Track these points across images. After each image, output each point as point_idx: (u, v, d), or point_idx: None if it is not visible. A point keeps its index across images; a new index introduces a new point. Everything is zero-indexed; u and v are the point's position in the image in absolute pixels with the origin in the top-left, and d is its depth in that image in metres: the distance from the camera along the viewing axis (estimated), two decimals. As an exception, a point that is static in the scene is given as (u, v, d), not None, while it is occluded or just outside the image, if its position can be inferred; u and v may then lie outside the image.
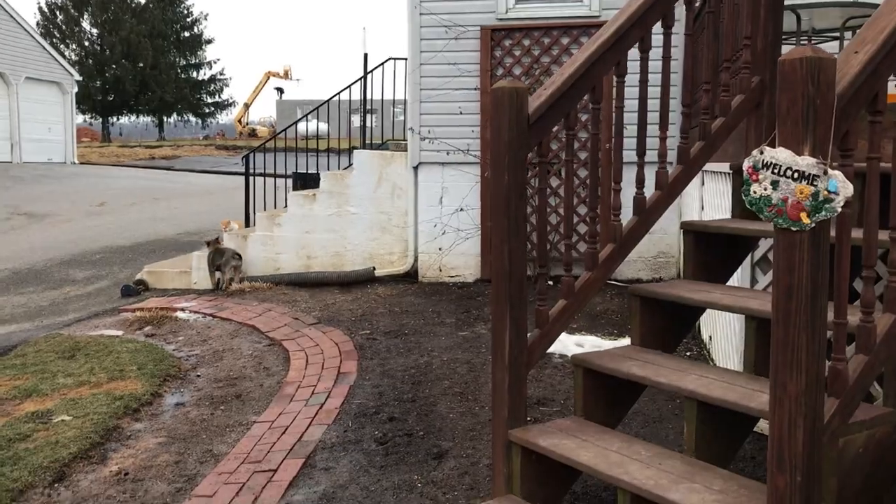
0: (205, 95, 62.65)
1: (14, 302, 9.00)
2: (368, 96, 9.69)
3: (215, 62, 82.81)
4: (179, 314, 7.63)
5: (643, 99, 3.54)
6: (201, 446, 4.48)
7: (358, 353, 5.95)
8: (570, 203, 3.53)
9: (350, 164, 10.12)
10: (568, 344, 5.57)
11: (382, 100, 9.50)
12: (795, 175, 2.17)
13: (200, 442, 4.54)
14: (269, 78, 70.90)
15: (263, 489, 3.87)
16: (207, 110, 63.35)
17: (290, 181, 11.57)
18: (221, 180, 22.99)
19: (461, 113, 8.24)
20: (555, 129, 3.52)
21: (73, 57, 48.55)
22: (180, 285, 9.04)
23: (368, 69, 9.71)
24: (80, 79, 28.32)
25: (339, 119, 9.89)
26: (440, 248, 8.40)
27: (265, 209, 10.71)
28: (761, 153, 2.25)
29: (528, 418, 3.38)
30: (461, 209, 8.30)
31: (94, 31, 52.02)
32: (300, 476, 3.98)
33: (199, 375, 5.88)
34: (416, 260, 8.66)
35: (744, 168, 2.30)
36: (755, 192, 2.27)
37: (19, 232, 13.50)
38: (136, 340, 6.82)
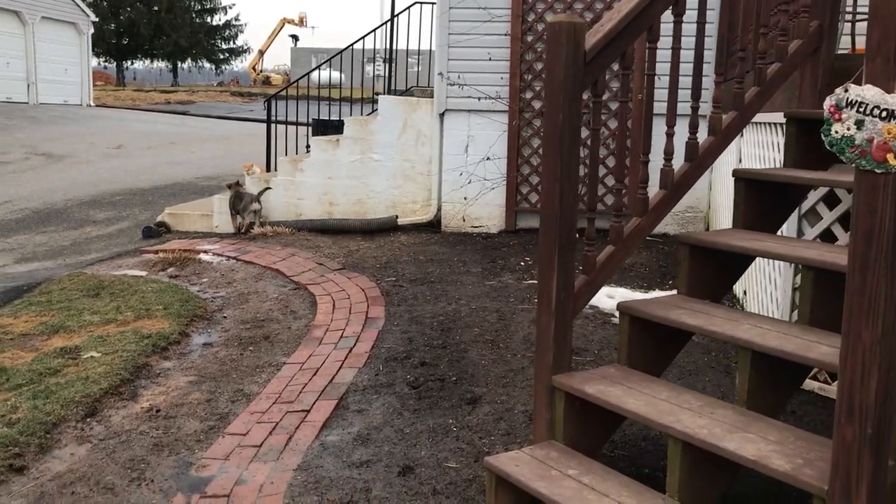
0: (219, 41, 62.02)
1: (35, 241, 8.98)
2: (389, 44, 9.50)
3: (230, 7, 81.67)
4: (203, 256, 7.59)
5: (700, 41, 3.40)
6: (232, 385, 4.46)
7: (385, 299, 5.91)
8: (622, 146, 3.41)
9: (373, 111, 10.00)
10: (598, 295, 5.48)
11: (397, 49, 9.32)
12: (883, 114, 2.06)
13: (231, 381, 4.52)
14: (283, 25, 70.06)
15: (297, 429, 3.85)
16: (222, 56, 62.76)
17: (309, 129, 11.47)
18: (237, 126, 22.86)
19: (490, 59, 8.06)
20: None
21: (88, -2, 47.96)
22: (202, 228, 8.99)
23: (394, 13, 9.49)
24: (97, 20, 27.99)
25: (362, 67, 9.72)
26: (465, 198, 8.30)
27: (286, 155, 10.62)
28: (846, 91, 2.14)
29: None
30: (488, 158, 8.18)
31: (109, -29, 51.33)
32: (333, 417, 3.96)
33: (225, 317, 5.86)
34: (439, 209, 8.57)
35: (825, 107, 2.19)
36: (836, 133, 2.16)
37: (38, 172, 13.45)
38: (160, 281, 6.79)
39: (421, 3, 9.40)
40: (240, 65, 66.62)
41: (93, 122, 20.45)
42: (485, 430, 3.69)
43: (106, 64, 57.00)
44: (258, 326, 5.51)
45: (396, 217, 8.66)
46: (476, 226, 8.40)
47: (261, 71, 67.37)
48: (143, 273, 7.16)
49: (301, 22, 71.94)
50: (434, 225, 8.60)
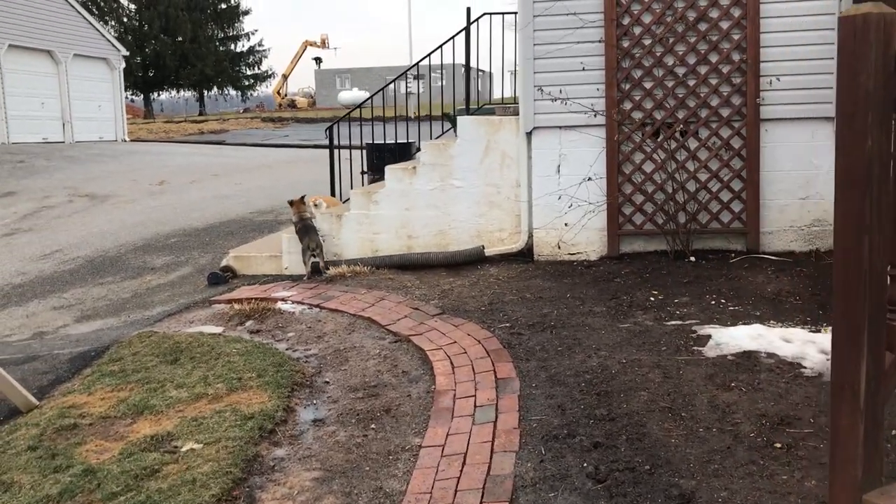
0: (244, 67, 62.12)
1: (94, 294, 8.33)
2: (466, 58, 8.73)
3: (253, 34, 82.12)
4: (281, 305, 6.86)
5: None
6: (367, 482, 3.69)
7: (508, 352, 5.12)
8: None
9: (444, 132, 9.26)
10: (772, 339, 4.66)
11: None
12: None
13: (364, 476, 3.75)
14: (306, 47, 70.09)
15: (471, 549, 3.06)
16: (247, 83, 62.84)
17: (362, 151, 10.77)
18: (275, 154, 22.30)
19: (584, 69, 7.28)
20: None
21: (113, 34, 48.09)
22: (270, 270, 8.28)
23: (469, 21, 8.71)
24: (128, 53, 27.69)
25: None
26: (566, 224, 7.49)
27: (347, 184, 9.93)
28: None
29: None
30: (589, 178, 7.37)
31: (132, 6, 51.51)
32: (511, 528, 3.16)
33: (327, 382, 5.10)
34: (530, 236, 7.78)
35: None
36: None
37: (83, 215, 12.87)
38: (242, 339, 6.06)
39: (490, 14, 8.63)
40: (265, 89, 66.68)
41: (131, 158, 19.97)
42: (719, 545, 2.88)
43: (133, 97, 57.22)
44: (372, 396, 4.74)
45: (483, 248, 7.88)
46: (573, 253, 7.60)
47: (285, 95, 67.36)
48: (220, 329, 6.44)
49: (323, 44, 71.95)
50: (525, 254, 7.81)
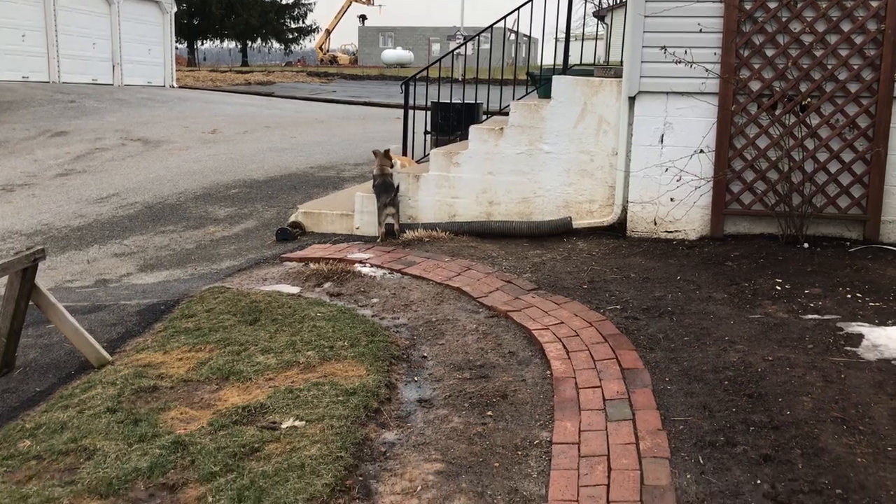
0: (288, 20, 61.53)
1: (156, 243, 7.94)
2: (568, 14, 8.13)
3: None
4: (360, 268, 6.40)
5: None
6: (500, 481, 3.23)
7: (628, 339, 4.61)
8: None
9: (527, 94, 8.68)
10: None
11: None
12: None
13: (495, 474, 3.29)
14: (350, 3, 69.12)
15: (646, 578, 2.59)
16: (291, 35, 62.29)
17: (427, 113, 10.25)
18: (325, 109, 21.81)
19: (701, 30, 6.65)
20: None
21: (162, -22, 47.61)
22: (341, 230, 7.84)
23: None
24: (178, -2, 27.20)
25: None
26: (672, 199, 6.92)
27: (411, 146, 9.46)
28: None
29: None
30: (701, 151, 6.78)
31: (181, -49, 50.91)
32: (688, 555, 2.69)
33: (425, 357, 4.65)
34: (623, 210, 7.22)
35: None
36: None
37: (137, 159, 12.51)
38: (324, 302, 5.62)
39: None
40: (307, 44, 66.07)
41: (181, 105, 19.59)
42: None
43: (177, 45, 56.83)
44: (481, 377, 4.27)
45: (570, 219, 7.35)
46: (671, 231, 7.04)
47: (328, 50, 66.68)
48: (297, 289, 6.01)
49: (369, 1, 70.91)
50: (615, 229, 7.27)
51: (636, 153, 7.07)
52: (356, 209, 7.77)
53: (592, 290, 5.58)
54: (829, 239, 6.63)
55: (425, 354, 4.68)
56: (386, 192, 7.33)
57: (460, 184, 7.67)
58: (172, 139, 14.35)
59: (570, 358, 4.44)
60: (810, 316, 4.77)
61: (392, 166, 7.51)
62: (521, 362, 4.48)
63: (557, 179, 7.45)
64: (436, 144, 9.78)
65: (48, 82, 20.73)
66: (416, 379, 4.34)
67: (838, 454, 3.18)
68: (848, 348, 4.21)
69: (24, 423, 3.96)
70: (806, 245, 6.45)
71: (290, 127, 16.49)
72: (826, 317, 4.74)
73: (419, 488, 3.19)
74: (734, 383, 3.91)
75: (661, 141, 6.97)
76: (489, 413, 3.84)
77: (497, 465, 3.35)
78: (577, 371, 4.26)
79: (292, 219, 7.98)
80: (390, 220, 7.34)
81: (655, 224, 7.08)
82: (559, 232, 7.32)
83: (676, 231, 7.04)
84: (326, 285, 6.08)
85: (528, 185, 7.54)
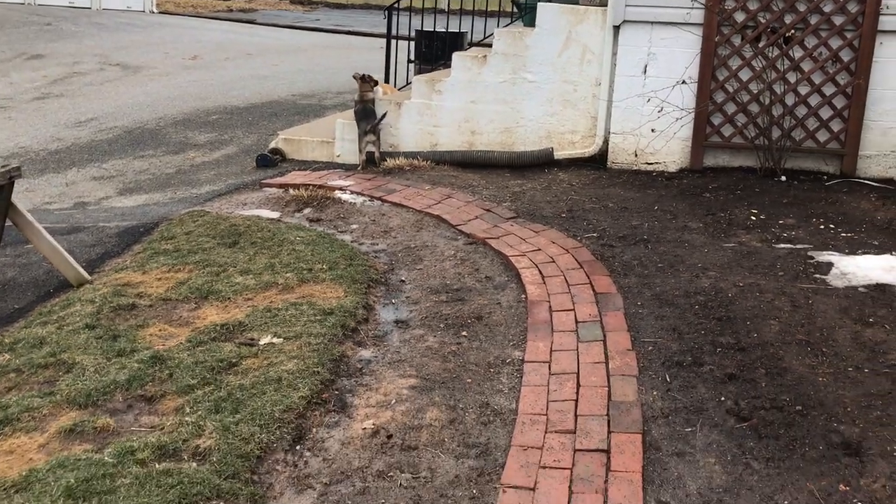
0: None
1: (135, 167, 7.88)
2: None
3: None
4: (340, 195, 6.40)
5: None
6: (471, 396, 3.32)
7: (603, 265, 4.68)
8: None
9: (512, 21, 8.56)
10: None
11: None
12: None
13: (467, 389, 3.38)
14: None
15: (608, 484, 2.70)
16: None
17: (410, 44, 10.09)
18: (308, 37, 21.37)
19: (688, -42, 6.55)
20: None
21: None
22: (321, 157, 7.79)
23: None
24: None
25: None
26: (653, 130, 6.92)
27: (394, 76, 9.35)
28: None
29: None
30: (683, 82, 6.75)
31: None
32: (649, 465, 2.80)
33: (403, 281, 4.70)
34: (605, 141, 7.21)
35: None
36: None
37: (116, 84, 12.29)
38: (304, 227, 5.64)
39: None
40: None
41: (161, 31, 19.13)
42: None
43: (157, -32, 55.20)
44: (457, 299, 4.34)
45: (552, 150, 7.34)
46: (651, 162, 7.06)
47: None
48: (276, 214, 6.01)
49: (355, -74, 68.84)
50: (596, 160, 7.27)
51: (619, 83, 7.03)
52: (337, 136, 7.71)
53: (571, 219, 5.62)
54: (807, 173, 6.68)
55: (403, 278, 4.74)
56: (367, 118, 7.27)
57: (442, 112, 7.62)
58: (152, 65, 14.08)
59: (545, 283, 4.50)
60: (783, 245, 4.85)
61: (373, 91, 7.42)
62: (497, 287, 4.54)
63: (540, 109, 7.41)
64: (419, 73, 9.66)
65: (24, 3, 20.17)
66: (393, 301, 4.40)
67: (801, 374, 3.29)
68: (817, 276, 4.30)
69: (2, 339, 4.00)
70: (783, 178, 6.50)
71: (273, 54, 16.19)
72: (798, 246, 4.82)
73: (393, 401, 3.27)
74: (704, 307, 4.00)
75: (645, 71, 6.94)
76: (464, 333, 3.92)
77: (469, 381, 3.44)
78: (552, 295, 4.33)
79: (273, 145, 7.92)
80: (371, 147, 7.29)
81: (636, 156, 7.09)
82: (541, 162, 7.32)
83: (656, 163, 7.06)
84: (306, 211, 6.09)
85: (511, 114, 7.49)
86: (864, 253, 4.64)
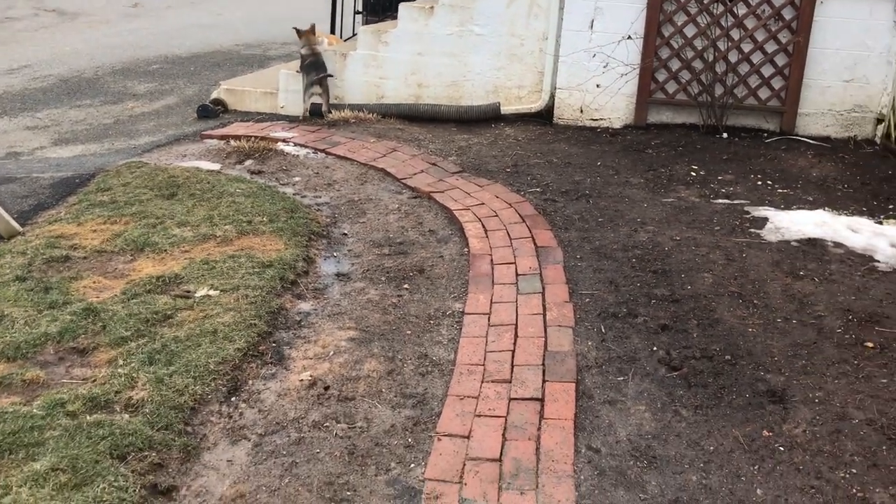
0: None
1: (71, 117, 7.62)
2: None
3: None
4: (283, 147, 6.30)
5: None
6: (410, 347, 3.33)
7: (545, 219, 4.71)
8: None
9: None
10: (837, 227, 4.33)
11: None
12: None
13: (406, 341, 3.39)
14: None
15: (541, 431, 2.75)
16: None
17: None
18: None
19: (637, -89, 6.51)
20: None
21: None
22: (264, 108, 7.63)
23: None
24: None
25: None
26: (598, 86, 6.92)
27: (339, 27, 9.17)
28: None
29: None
30: (629, 37, 6.75)
31: None
32: (581, 413, 2.85)
33: (345, 234, 4.67)
34: (551, 97, 7.21)
35: None
36: None
37: (52, 31, 11.83)
38: (244, 179, 5.54)
39: None
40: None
41: (99, -25, 18.40)
42: (826, 454, 2.60)
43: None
44: (400, 253, 4.33)
45: (499, 105, 7.31)
46: (596, 119, 7.08)
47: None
48: (217, 166, 5.89)
49: None
50: (543, 116, 7.27)
51: (566, 38, 7.01)
52: (281, 87, 7.56)
53: (515, 174, 5.63)
54: (748, 130, 6.77)
55: (346, 232, 4.70)
56: (316, 70, 7.12)
57: (389, 64, 7.51)
58: (91, 12, 13.57)
59: (487, 236, 4.52)
60: (721, 200, 4.94)
61: (319, 43, 7.27)
62: (441, 240, 4.54)
63: (487, 63, 7.35)
64: (366, 25, 9.49)
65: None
66: (335, 254, 4.37)
67: (731, 325, 3.37)
68: (752, 230, 4.40)
69: (-73, 291, 3.86)
70: (725, 135, 6.60)
71: (216, 3, 15.72)
72: (735, 201, 4.91)
73: (331, 353, 3.27)
74: (641, 261, 4.06)
75: (591, 26, 6.92)
76: (405, 286, 3.92)
77: (409, 332, 3.45)
78: (494, 248, 4.35)
79: (214, 96, 7.73)
80: (317, 99, 7.17)
81: (581, 112, 7.11)
82: (488, 117, 7.29)
83: (601, 119, 7.09)
84: (248, 163, 5.98)
85: (458, 67, 7.42)
86: (799, 208, 4.75)
